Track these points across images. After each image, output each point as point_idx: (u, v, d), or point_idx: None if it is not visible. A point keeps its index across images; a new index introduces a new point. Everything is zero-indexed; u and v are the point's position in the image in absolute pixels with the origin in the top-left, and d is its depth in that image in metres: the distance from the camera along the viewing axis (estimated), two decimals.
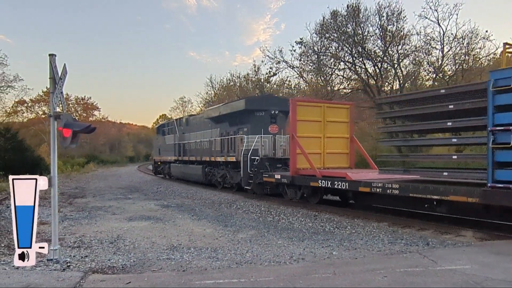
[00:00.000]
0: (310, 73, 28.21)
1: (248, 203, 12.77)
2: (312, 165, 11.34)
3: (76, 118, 53.68)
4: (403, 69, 24.60)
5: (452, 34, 23.00)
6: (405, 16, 23.65)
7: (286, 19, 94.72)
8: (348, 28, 24.23)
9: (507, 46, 8.79)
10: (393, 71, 24.64)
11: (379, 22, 23.64)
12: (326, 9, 58.46)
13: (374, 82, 24.54)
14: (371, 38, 24.32)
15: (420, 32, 24.16)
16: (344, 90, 27.32)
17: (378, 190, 8.72)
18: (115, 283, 4.44)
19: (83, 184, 22.69)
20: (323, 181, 10.51)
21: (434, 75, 23.66)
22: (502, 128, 6.60)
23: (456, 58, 22.74)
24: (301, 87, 33.00)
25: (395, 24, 23.52)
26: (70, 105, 57.90)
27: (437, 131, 8.97)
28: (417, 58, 23.85)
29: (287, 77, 45.80)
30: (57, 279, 4.49)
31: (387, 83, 25.73)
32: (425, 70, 24.59)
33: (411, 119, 9.48)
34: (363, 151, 12.76)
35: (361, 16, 23.89)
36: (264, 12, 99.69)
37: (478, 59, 22.76)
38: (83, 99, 60.81)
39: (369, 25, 24.01)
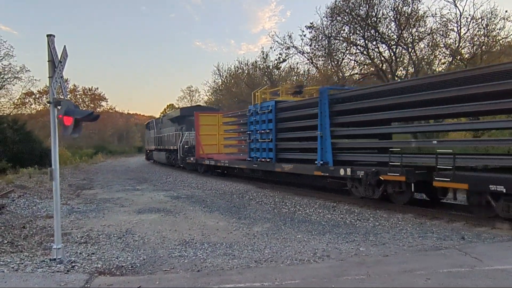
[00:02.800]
0: (321, 58, 27.33)
1: (261, 194, 12.28)
2: (203, 151, 19.53)
3: (84, 109, 53.50)
4: (417, 52, 23.60)
5: (469, 15, 21.87)
6: None
7: (292, 6, 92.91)
8: (361, 11, 23.25)
9: (256, 91, 14.33)
10: (408, 55, 23.67)
11: (394, 4, 22.63)
12: None
13: (388, 67, 23.63)
14: (385, 21, 23.35)
15: (436, 14, 23.10)
16: (356, 76, 26.46)
17: (222, 164, 17.05)
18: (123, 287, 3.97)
19: (91, 175, 22.38)
20: (207, 160, 18.59)
21: (451, 59, 22.64)
22: (250, 132, 14.21)
23: (474, 39, 21.70)
24: (311, 73, 32.17)
25: (410, 5, 22.45)
26: (78, 96, 57.81)
27: (243, 134, 15.97)
28: (433, 41, 22.82)
29: (297, 63, 44.95)
30: (59, 284, 4.03)
31: (401, 68, 24.80)
32: (441, 53, 23.56)
33: (240, 126, 16.39)
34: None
35: None
36: None
37: (497, 40, 21.68)
38: (90, 90, 60.71)
39: (383, 7, 23.02)
